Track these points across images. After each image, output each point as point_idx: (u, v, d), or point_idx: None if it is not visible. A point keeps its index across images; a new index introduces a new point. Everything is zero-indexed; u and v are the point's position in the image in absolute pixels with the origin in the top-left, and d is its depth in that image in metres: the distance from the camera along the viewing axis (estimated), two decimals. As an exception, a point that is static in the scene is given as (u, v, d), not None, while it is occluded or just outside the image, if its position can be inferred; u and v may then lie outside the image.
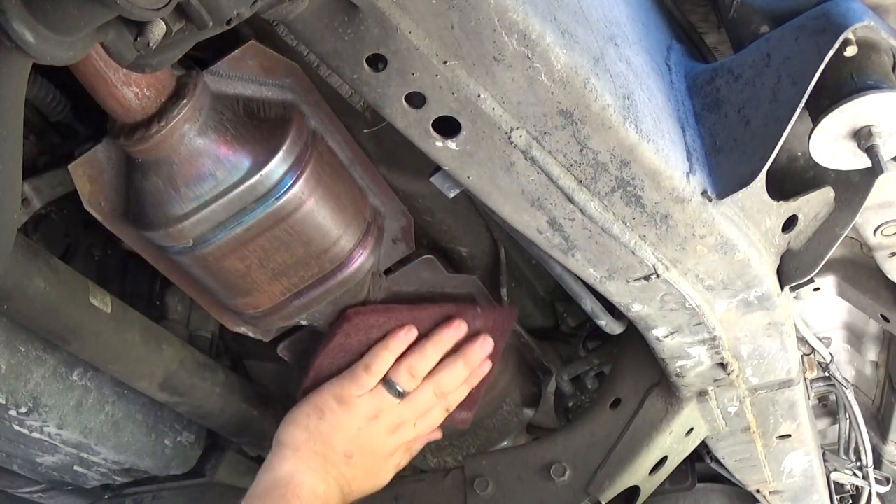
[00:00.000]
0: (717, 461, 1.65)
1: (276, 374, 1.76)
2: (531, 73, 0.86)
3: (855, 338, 2.23)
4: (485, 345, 1.40)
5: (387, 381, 1.33)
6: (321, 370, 1.36)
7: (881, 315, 1.85)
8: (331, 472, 1.29)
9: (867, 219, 1.52)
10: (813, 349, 1.93)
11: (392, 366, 1.33)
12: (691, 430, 1.47)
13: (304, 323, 1.32)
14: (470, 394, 1.44)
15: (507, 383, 1.68)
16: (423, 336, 1.36)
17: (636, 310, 1.16)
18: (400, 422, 1.34)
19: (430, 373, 1.36)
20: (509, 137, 0.91)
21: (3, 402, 1.25)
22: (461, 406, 1.45)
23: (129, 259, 1.51)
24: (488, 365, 1.43)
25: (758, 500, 1.80)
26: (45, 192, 1.17)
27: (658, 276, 1.08)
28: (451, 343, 1.37)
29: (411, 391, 1.34)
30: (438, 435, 1.47)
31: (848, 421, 2.22)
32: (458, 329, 1.37)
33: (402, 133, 0.92)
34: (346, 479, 1.32)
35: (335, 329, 1.33)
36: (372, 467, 1.35)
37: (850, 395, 2.10)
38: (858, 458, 2.24)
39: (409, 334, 1.34)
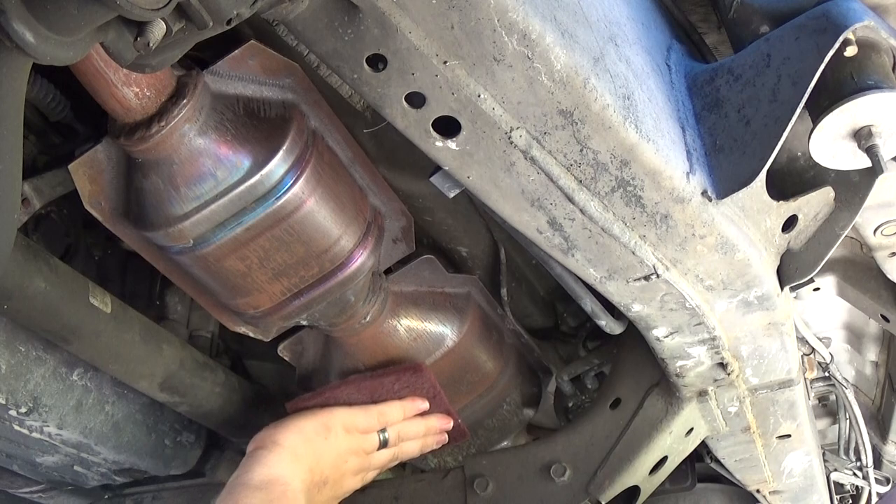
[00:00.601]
0: (717, 461, 1.65)
1: (276, 374, 1.76)
2: (531, 73, 0.86)
3: (855, 338, 2.23)
4: (440, 441, 1.54)
5: (382, 429, 1.44)
6: (346, 395, 1.41)
7: (881, 315, 1.85)
8: (309, 491, 1.31)
9: (867, 219, 1.52)
10: (813, 349, 1.93)
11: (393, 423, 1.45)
12: (691, 430, 1.47)
13: (304, 323, 1.32)
14: (457, 430, 1.59)
15: (507, 383, 1.68)
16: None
17: (636, 310, 1.16)
18: (366, 467, 1.44)
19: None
20: (509, 137, 0.91)
21: (3, 402, 1.25)
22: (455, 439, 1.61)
23: (129, 259, 1.51)
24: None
25: (758, 500, 1.80)
26: (45, 192, 1.17)
27: (658, 276, 1.08)
28: (435, 431, 1.52)
29: (387, 448, 1.46)
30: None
31: (848, 421, 2.22)
32: (447, 424, 1.52)
33: (402, 133, 0.92)
34: (312, 493, 1.33)
35: (396, 369, 1.42)
36: (329, 495, 1.40)
37: (850, 395, 2.09)
38: (858, 458, 2.24)
39: (423, 406, 1.47)
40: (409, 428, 1.47)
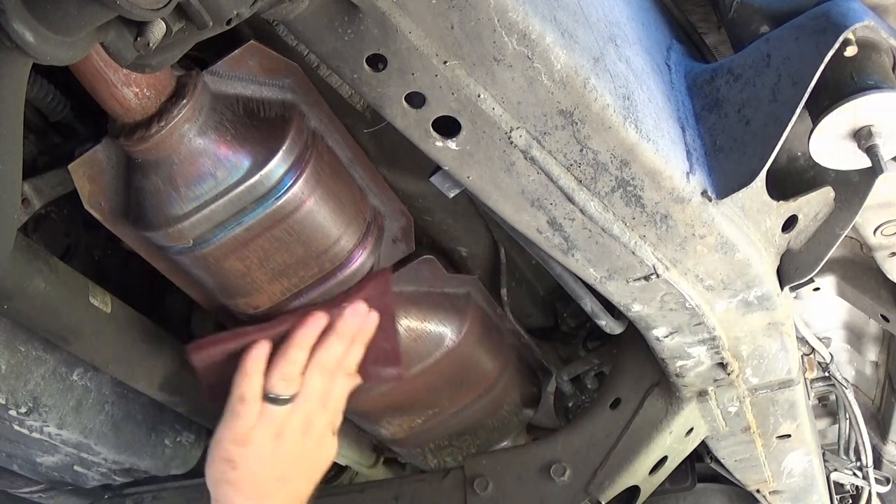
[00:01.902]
0: (717, 461, 1.65)
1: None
2: (531, 73, 0.86)
3: (855, 338, 2.23)
4: (356, 311, 1.27)
5: (268, 398, 1.22)
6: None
7: (881, 315, 1.85)
8: (277, 498, 1.25)
9: (867, 219, 1.52)
10: (813, 349, 1.93)
11: (264, 381, 1.23)
12: (691, 430, 1.47)
13: (304, 323, 1.32)
14: (382, 349, 1.33)
15: (507, 383, 1.68)
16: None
17: (636, 310, 1.16)
18: (306, 420, 1.26)
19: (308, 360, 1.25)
20: (509, 137, 0.91)
21: (3, 402, 1.25)
22: (383, 363, 1.34)
23: (129, 259, 1.51)
24: (373, 319, 1.30)
25: (758, 500, 1.80)
26: (45, 192, 1.17)
27: (658, 276, 1.08)
28: (314, 338, 1.25)
29: (296, 391, 1.24)
30: (357, 380, 1.32)
31: (848, 421, 2.23)
32: (315, 324, 1.25)
33: (402, 133, 0.92)
34: (293, 493, 1.27)
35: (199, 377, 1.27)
36: (311, 465, 1.28)
37: (850, 395, 2.10)
38: (858, 458, 2.24)
39: (262, 350, 1.23)
40: (288, 367, 1.22)
